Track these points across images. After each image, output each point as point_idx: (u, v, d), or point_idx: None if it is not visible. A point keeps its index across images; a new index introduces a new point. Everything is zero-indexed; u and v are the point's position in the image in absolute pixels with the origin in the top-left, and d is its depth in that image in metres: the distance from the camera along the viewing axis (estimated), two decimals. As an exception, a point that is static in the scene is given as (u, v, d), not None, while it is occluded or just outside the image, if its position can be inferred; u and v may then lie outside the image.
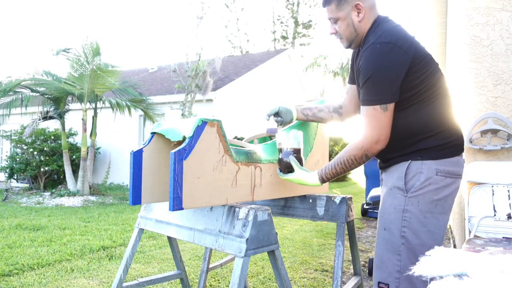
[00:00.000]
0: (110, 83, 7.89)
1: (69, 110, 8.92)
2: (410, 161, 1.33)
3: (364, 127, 1.31)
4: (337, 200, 1.73)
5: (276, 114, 1.66)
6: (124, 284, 1.80)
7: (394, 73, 1.24)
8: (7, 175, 9.83)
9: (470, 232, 2.22)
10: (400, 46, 1.25)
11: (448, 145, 1.32)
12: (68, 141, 9.70)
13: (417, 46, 1.30)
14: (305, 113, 1.69)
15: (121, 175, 10.87)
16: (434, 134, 1.31)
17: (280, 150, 1.51)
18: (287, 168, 1.48)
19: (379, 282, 1.35)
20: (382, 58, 1.25)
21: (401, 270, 1.30)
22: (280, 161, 1.51)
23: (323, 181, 1.45)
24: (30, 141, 9.48)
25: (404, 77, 1.25)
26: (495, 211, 2.20)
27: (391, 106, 1.28)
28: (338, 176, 1.43)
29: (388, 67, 1.25)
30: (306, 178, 1.45)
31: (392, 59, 1.24)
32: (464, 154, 1.37)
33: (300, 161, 1.50)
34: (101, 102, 8.76)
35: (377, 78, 1.26)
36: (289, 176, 1.48)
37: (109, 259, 3.43)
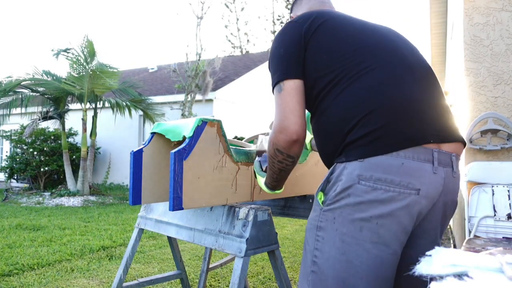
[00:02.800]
0: (110, 84, 7.90)
1: (69, 110, 8.92)
2: (335, 163, 0.97)
3: None
4: (337, 200, 1.72)
5: None
6: (124, 284, 1.80)
7: (282, 48, 1.04)
8: (7, 175, 9.83)
9: (470, 232, 2.23)
10: (295, 21, 1.06)
11: (378, 133, 0.89)
12: (68, 141, 9.71)
13: (325, 15, 1.05)
14: None
15: (121, 175, 10.88)
16: (358, 121, 0.92)
17: (258, 155, 1.47)
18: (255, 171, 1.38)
19: None
20: (275, 39, 1.09)
21: None
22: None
23: (267, 186, 1.25)
24: (30, 141, 9.48)
25: (303, 52, 1.02)
26: (495, 211, 2.20)
27: (286, 84, 0.99)
28: (277, 180, 1.16)
29: (278, 43, 1.06)
30: (261, 182, 1.31)
31: (282, 36, 1.06)
32: (436, 155, 0.93)
33: None
34: (101, 102, 8.77)
35: (270, 59, 1.08)
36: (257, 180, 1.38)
37: (109, 259, 3.43)
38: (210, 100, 10.12)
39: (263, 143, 1.45)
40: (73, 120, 10.19)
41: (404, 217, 0.90)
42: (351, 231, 0.92)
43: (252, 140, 1.91)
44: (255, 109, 11.94)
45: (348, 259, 0.92)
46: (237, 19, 26.78)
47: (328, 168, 1.04)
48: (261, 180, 1.31)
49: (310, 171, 1.83)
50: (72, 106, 9.27)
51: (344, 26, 1.03)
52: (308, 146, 1.52)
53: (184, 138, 1.29)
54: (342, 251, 0.93)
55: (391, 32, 1.09)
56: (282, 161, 1.05)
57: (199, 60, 10.06)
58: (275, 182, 1.19)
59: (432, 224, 0.99)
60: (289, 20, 1.19)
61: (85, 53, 7.63)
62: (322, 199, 0.98)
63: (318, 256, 0.97)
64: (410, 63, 1.01)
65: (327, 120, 0.99)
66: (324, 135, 1.02)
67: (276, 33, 1.15)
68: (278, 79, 1.02)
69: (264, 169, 1.32)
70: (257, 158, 1.39)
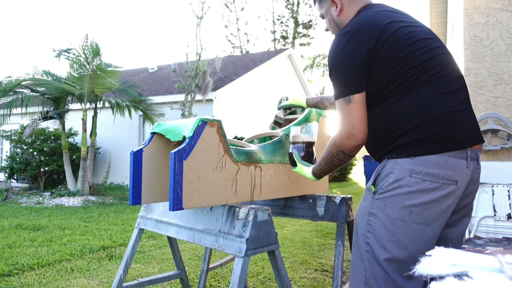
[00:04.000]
0: (110, 83, 7.89)
1: (69, 110, 8.92)
2: (386, 159, 1.18)
3: (338, 122, 1.22)
4: (337, 200, 1.73)
5: (287, 109, 1.79)
6: (124, 284, 1.80)
7: (351, 62, 1.15)
8: (7, 175, 9.83)
9: (470, 232, 2.22)
10: (360, 33, 1.15)
11: (428, 139, 1.11)
12: (68, 141, 9.71)
13: (389, 30, 1.15)
14: (315, 101, 1.77)
15: (121, 175, 10.88)
16: (412, 128, 1.12)
17: (292, 144, 1.56)
18: (292, 161, 1.52)
19: None
20: (339, 49, 1.18)
21: (366, 281, 1.16)
22: (289, 154, 1.56)
23: (315, 175, 1.40)
24: (30, 141, 9.48)
25: (368, 66, 1.14)
26: (495, 211, 2.20)
27: (356, 97, 1.14)
28: (328, 172, 1.34)
29: (344, 57, 1.16)
30: (304, 171, 1.45)
31: (348, 48, 1.15)
32: (469, 152, 1.14)
33: (311, 154, 1.52)
34: (101, 102, 8.76)
35: (336, 70, 1.19)
36: (294, 169, 1.52)
37: (109, 259, 3.43)
38: (210, 100, 10.12)
39: (299, 134, 1.54)
40: (73, 120, 10.20)
41: (445, 202, 1.11)
42: (401, 215, 1.11)
43: (252, 140, 1.91)
44: (255, 109, 11.93)
45: (398, 239, 1.11)
46: (237, 19, 26.78)
47: (373, 156, 1.28)
48: (305, 170, 1.45)
49: (310, 171, 1.83)
50: (72, 106, 9.27)
51: (405, 40, 1.15)
52: None
53: (184, 138, 1.29)
54: (393, 233, 1.12)
55: (437, 41, 1.23)
56: (342, 159, 1.24)
57: (199, 60, 10.06)
58: (325, 173, 1.37)
59: (459, 205, 1.20)
60: (335, 19, 1.33)
61: (86, 53, 7.63)
62: (373, 190, 1.19)
63: (370, 238, 1.16)
64: (455, 77, 1.19)
65: (381, 122, 1.18)
66: (375, 134, 1.20)
67: (339, 39, 1.21)
68: (347, 92, 1.16)
69: (301, 157, 1.49)
70: (292, 149, 1.53)
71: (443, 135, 1.11)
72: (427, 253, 0.76)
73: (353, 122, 1.15)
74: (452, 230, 1.23)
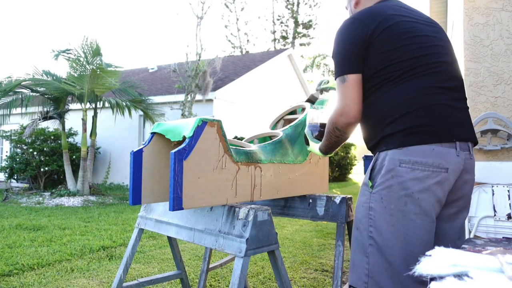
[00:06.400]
0: (110, 83, 7.89)
1: (69, 110, 8.92)
2: (378, 152, 1.22)
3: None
4: (337, 200, 1.73)
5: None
6: (124, 284, 1.80)
7: (348, 44, 1.21)
8: (7, 175, 9.83)
9: (470, 232, 2.22)
10: (361, 20, 1.21)
11: (415, 129, 1.14)
12: (68, 141, 9.71)
13: (390, 21, 1.20)
14: None
15: (121, 175, 10.87)
16: (399, 117, 1.16)
17: (308, 125, 1.62)
18: (306, 140, 1.58)
19: (350, 286, 1.26)
20: (340, 33, 1.25)
21: (369, 274, 1.18)
22: (304, 134, 1.63)
23: (321, 151, 1.45)
24: (30, 141, 9.47)
25: (365, 51, 1.20)
26: (495, 211, 2.20)
27: (350, 77, 1.20)
28: (330, 147, 1.39)
29: (343, 40, 1.23)
30: (314, 148, 1.51)
31: (349, 32, 1.23)
32: (458, 144, 1.17)
33: (323, 134, 1.55)
34: (101, 102, 8.76)
35: (335, 52, 1.26)
36: (308, 148, 1.57)
37: (109, 259, 3.43)
38: (210, 100, 10.12)
39: (315, 119, 1.59)
40: (73, 120, 10.19)
41: (438, 190, 1.14)
42: (397, 206, 1.14)
43: (252, 140, 1.91)
44: (255, 109, 11.93)
45: (397, 229, 1.14)
46: (237, 19, 26.77)
47: (367, 146, 1.31)
48: (314, 146, 1.52)
49: (310, 171, 1.83)
50: (72, 106, 9.27)
51: (404, 33, 1.20)
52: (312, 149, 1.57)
53: (184, 138, 1.29)
54: (392, 223, 1.15)
55: (441, 41, 1.27)
56: (338, 136, 1.28)
57: (199, 60, 10.06)
58: (329, 149, 1.41)
59: (454, 197, 1.22)
60: (353, 10, 1.39)
61: (86, 53, 7.62)
62: (371, 184, 1.21)
63: (373, 231, 1.19)
64: (450, 76, 1.22)
65: (372, 112, 1.22)
66: (368, 123, 1.26)
67: (343, 24, 1.29)
68: (343, 72, 1.22)
69: (314, 136, 1.54)
70: (307, 128, 1.59)
71: (430, 126, 1.14)
72: (427, 253, 0.76)
73: (346, 101, 1.20)
74: (449, 224, 1.24)
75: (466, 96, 1.28)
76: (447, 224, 1.24)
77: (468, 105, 1.29)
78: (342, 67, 1.22)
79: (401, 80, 1.17)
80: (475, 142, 1.26)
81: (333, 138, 1.32)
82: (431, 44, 1.22)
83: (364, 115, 1.25)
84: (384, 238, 1.16)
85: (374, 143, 1.24)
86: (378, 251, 1.17)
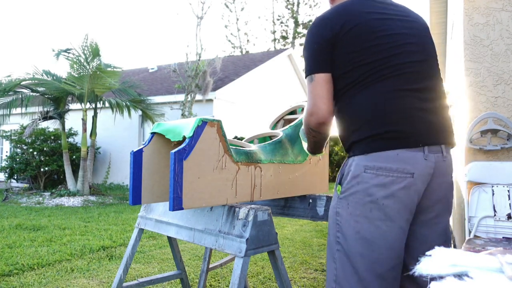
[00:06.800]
0: (110, 83, 7.89)
1: (69, 110, 8.92)
2: (347, 158, 1.21)
3: None
4: (337, 200, 1.72)
5: None
6: (124, 284, 1.80)
7: (315, 43, 1.19)
8: (7, 175, 9.83)
9: (470, 232, 2.22)
10: (330, 18, 1.19)
11: (379, 136, 1.11)
12: (68, 141, 9.71)
13: (359, 19, 1.15)
14: None
15: (121, 175, 10.87)
16: (364, 123, 1.14)
17: None
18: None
19: None
20: (309, 32, 1.24)
21: (336, 279, 1.16)
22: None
23: (308, 151, 1.47)
24: (30, 141, 9.47)
25: (332, 50, 1.17)
26: (495, 211, 2.20)
27: (317, 77, 1.18)
28: (313, 147, 1.39)
29: (311, 39, 1.21)
30: (304, 146, 1.51)
31: (316, 31, 1.20)
32: (426, 148, 1.12)
33: None
34: (101, 102, 8.76)
35: (304, 51, 1.24)
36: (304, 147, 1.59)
37: (109, 259, 3.43)
38: (210, 100, 10.12)
39: None
40: (73, 120, 10.19)
41: (404, 196, 1.11)
42: (362, 212, 1.12)
43: (252, 140, 1.91)
44: (255, 109, 11.93)
45: (363, 236, 1.12)
46: (237, 19, 26.77)
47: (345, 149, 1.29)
48: (304, 146, 1.52)
49: (310, 171, 1.83)
50: (72, 106, 9.27)
51: (372, 33, 1.15)
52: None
53: (184, 138, 1.29)
54: (356, 230, 1.13)
55: (415, 37, 1.20)
56: (315, 136, 1.28)
57: (199, 60, 10.06)
58: (313, 149, 1.42)
59: (430, 201, 1.18)
60: (330, 5, 1.36)
61: (86, 53, 7.63)
62: (340, 189, 1.20)
63: (339, 237, 1.17)
64: (423, 76, 1.17)
65: (342, 117, 1.21)
66: (340, 128, 1.25)
67: (313, 23, 1.26)
68: (310, 71, 1.20)
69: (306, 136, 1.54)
70: (302, 127, 1.59)
71: (394, 133, 1.11)
72: (427, 253, 0.76)
73: (314, 100, 1.18)
74: (431, 229, 1.20)
75: (441, 94, 1.21)
76: (428, 229, 1.20)
77: (444, 104, 1.22)
78: (309, 67, 1.21)
79: (366, 84, 1.14)
80: (450, 144, 1.21)
81: (311, 139, 1.32)
82: (400, 43, 1.17)
83: (336, 118, 1.24)
84: (349, 244, 1.14)
85: (347, 148, 1.23)
86: (345, 257, 1.15)
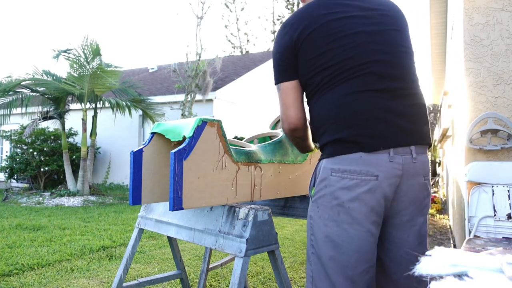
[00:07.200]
0: (110, 83, 7.89)
1: (69, 110, 8.92)
2: (318, 161, 1.21)
3: None
4: (337, 200, 1.72)
5: None
6: (124, 284, 1.80)
7: (278, 53, 1.21)
8: (7, 175, 9.83)
9: (470, 232, 2.22)
10: (290, 24, 1.18)
11: (343, 140, 1.10)
12: (68, 141, 9.71)
13: (316, 23, 1.13)
14: None
15: (121, 175, 10.87)
16: (328, 127, 1.14)
17: None
18: None
19: None
20: (275, 39, 1.24)
21: (313, 281, 1.17)
22: None
23: (299, 150, 1.48)
24: (30, 141, 9.47)
25: (295, 57, 1.17)
26: (495, 211, 2.20)
27: (283, 86, 1.20)
28: (301, 148, 1.39)
29: (275, 48, 1.23)
30: None
31: (279, 40, 1.21)
32: (391, 150, 1.10)
33: None
34: (101, 102, 8.76)
35: (272, 59, 1.25)
36: None
37: (109, 259, 3.43)
38: (210, 100, 10.12)
39: None
40: (73, 120, 10.19)
41: (370, 199, 1.09)
42: (331, 215, 1.12)
43: (252, 140, 1.91)
44: (255, 109, 11.93)
45: (332, 239, 1.12)
46: (237, 19, 26.76)
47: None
48: None
49: (310, 171, 1.83)
50: (72, 106, 9.27)
51: (329, 36, 1.13)
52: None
53: (184, 138, 1.29)
54: (326, 234, 1.13)
55: (378, 34, 1.15)
56: (294, 140, 1.30)
57: (199, 60, 10.06)
58: (300, 150, 1.41)
59: (402, 204, 1.16)
60: (300, 4, 1.34)
61: (86, 53, 7.62)
62: (312, 193, 1.19)
63: (313, 240, 1.18)
64: (384, 74, 1.12)
65: (311, 120, 1.23)
66: (311, 130, 1.26)
67: (278, 30, 1.24)
68: (276, 81, 1.23)
69: None
70: None
71: (355, 136, 1.09)
72: (427, 253, 0.76)
73: (283, 108, 1.21)
74: (407, 232, 1.17)
75: (411, 92, 1.16)
76: (404, 232, 1.17)
77: (417, 102, 1.17)
78: (276, 76, 1.23)
79: (328, 88, 1.13)
80: (422, 144, 1.16)
81: (293, 142, 1.34)
82: (359, 42, 1.12)
83: (309, 122, 1.25)
84: (320, 248, 1.14)
85: (319, 150, 1.24)
86: (318, 260, 1.15)
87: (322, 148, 1.19)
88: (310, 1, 1.22)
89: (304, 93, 1.23)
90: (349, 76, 1.11)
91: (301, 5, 1.32)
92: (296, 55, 1.17)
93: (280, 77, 1.21)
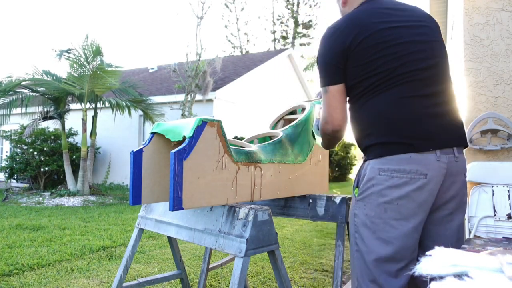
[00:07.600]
0: (110, 83, 7.89)
1: (69, 110, 8.91)
2: (363, 161, 1.28)
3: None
4: (337, 200, 1.73)
5: None
6: (124, 284, 1.80)
7: (328, 57, 1.24)
8: (7, 175, 9.82)
9: (470, 232, 2.22)
10: (341, 30, 1.23)
11: (391, 142, 1.18)
12: (68, 141, 9.70)
13: (369, 31, 1.19)
14: None
15: (121, 175, 10.87)
16: (375, 130, 1.21)
17: (317, 119, 1.70)
18: (313, 134, 1.68)
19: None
20: (322, 43, 1.28)
21: (358, 278, 1.23)
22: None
23: (323, 146, 1.51)
24: (30, 141, 9.47)
25: (345, 62, 1.22)
26: (495, 211, 2.20)
27: (331, 89, 1.24)
28: (327, 145, 1.44)
29: (324, 51, 1.26)
30: (318, 142, 1.59)
31: (328, 43, 1.25)
32: (438, 150, 1.17)
33: None
34: (101, 102, 8.76)
35: (318, 63, 1.30)
36: (315, 141, 1.70)
37: (109, 259, 3.43)
38: (210, 100, 10.11)
39: (318, 111, 1.68)
40: (73, 120, 10.19)
41: (418, 196, 1.15)
42: (378, 213, 1.18)
43: (252, 140, 1.91)
44: (255, 109, 11.93)
45: (379, 236, 1.17)
46: (237, 19, 26.77)
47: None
48: (318, 141, 1.59)
49: (310, 171, 1.83)
50: (72, 106, 9.26)
51: (381, 44, 1.20)
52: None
53: (184, 138, 1.29)
54: (373, 231, 1.19)
55: (424, 43, 1.24)
56: (329, 139, 1.35)
57: (199, 60, 10.05)
58: (327, 147, 1.46)
59: (443, 199, 1.22)
60: (341, 9, 1.40)
61: (86, 53, 7.62)
62: (357, 192, 1.26)
63: (357, 237, 1.24)
64: (431, 81, 1.21)
65: (356, 121, 1.28)
66: (354, 131, 1.31)
67: (324, 33, 1.29)
68: (324, 83, 1.27)
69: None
70: (314, 122, 1.70)
71: (404, 138, 1.16)
72: (427, 253, 0.76)
73: (328, 110, 1.26)
74: (444, 227, 1.24)
75: (451, 98, 1.25)
76: (442, 226, 1.24)
77: (454, 106, 1.26)
78: (324, 79, 1.27)
79: (376, 92, 1.20)
80: (461, 145, 1.25)
81: (325, 139, 1.39)
82: (409, 51, 1.21)
83: (351, 122, 1.31)
84: (366, 245, 1.20)
85: (362, 150, 1.30)
86: (362, 259, 1.21)
87: (366, 149, 1.25)
88: (359, 7, 1.30)
89: (351, 95, 1.27)
90: (397, 83, 1.19)
91: (342, 9, 1.40)
92: (347, 60, 1.21)
93: (329, 80, 1.25)
